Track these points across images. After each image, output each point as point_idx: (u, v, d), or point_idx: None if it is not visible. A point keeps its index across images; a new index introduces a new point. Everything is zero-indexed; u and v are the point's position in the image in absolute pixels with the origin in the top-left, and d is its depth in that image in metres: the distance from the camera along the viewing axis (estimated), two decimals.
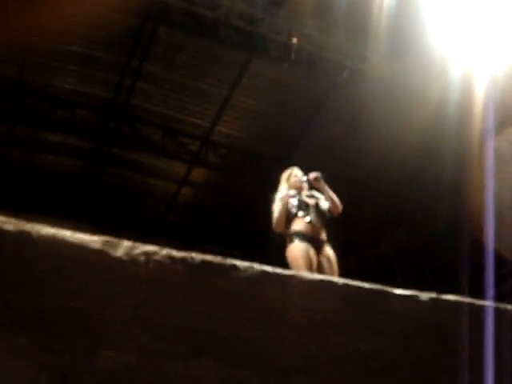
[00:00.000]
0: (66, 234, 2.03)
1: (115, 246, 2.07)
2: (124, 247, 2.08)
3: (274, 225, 5.12)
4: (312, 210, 5.13)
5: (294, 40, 9.17)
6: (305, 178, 5.40)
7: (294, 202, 5.18)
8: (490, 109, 9.92)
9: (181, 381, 2.00)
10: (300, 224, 5.03)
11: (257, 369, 2.04)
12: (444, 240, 12.65)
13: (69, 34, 8.87)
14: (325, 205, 5.21)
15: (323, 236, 5.07)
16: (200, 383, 2.01)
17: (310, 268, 4.62)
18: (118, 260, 2.05)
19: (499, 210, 9.45)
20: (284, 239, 5.09)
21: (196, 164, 11.75)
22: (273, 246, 5.21)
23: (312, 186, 5.41)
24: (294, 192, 5.29)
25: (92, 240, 2.05)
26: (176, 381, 1.99)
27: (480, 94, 9.73)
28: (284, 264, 4.66)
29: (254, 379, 2.02)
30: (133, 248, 2.10)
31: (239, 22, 9.03)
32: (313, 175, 5.35)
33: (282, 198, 5.17)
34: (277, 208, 5.14)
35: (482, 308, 2.73)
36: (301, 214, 5.07)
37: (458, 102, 9.84)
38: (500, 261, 11.50)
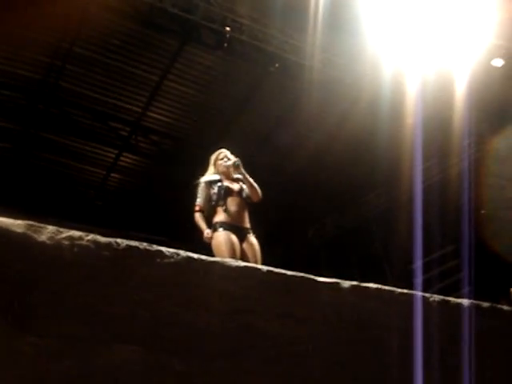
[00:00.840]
0: None
1: (39, 231, 2.05)
2: (48, 232, 2.06)
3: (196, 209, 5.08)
4: (235, 197, 5.10)
5: (228, 28, 9.17)
6: (231, 162, 5.34)
7: (215, 189, 5.13)
8: (420, 105, 10.17)
9: (105, 366, 2.00)
10: (221, 214, 5.01)
11: (181, 354, 2.07)
12: (371, 230, 12.93)
13: None
14: (247, 192, 5.19)
15: (246, 224, 5.06)
16: (124, 368, 2.01)
17: (233, 255, 4.62)
18: (42, 244, 2.03)
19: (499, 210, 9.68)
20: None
21: (126, 150, 11.61)
22: (200, 235, 5.18)
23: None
24: (219, 177, 5.25)
25: (15, 224, 2.03)
26: (100, 366, 1.99)
27: (411, 91, 9.97)
28: (210, 253, 4.67)
29: (178, 364, 2.04)
30: (57, 233, 2.09)
31: (173, 8, 8.95)
32: (230, 162, 5.29)
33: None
34: (202, 193, 5.12)
35: (402, 295, 2.82)
36: (221, 203, 5.04)
37: (390, 97, 10.04)
38: (427, 250, 11.85)
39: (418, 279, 11.69)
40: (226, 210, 5.04)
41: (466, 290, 10.21)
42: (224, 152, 5.44)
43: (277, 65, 9.80)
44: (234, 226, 4.96)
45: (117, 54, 9.79)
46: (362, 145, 10.97)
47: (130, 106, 10.81)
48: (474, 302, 3.18)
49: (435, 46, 9.59)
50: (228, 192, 5.13)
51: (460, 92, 9.94)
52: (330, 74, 9.96)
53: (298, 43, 9.50)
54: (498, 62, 9.81)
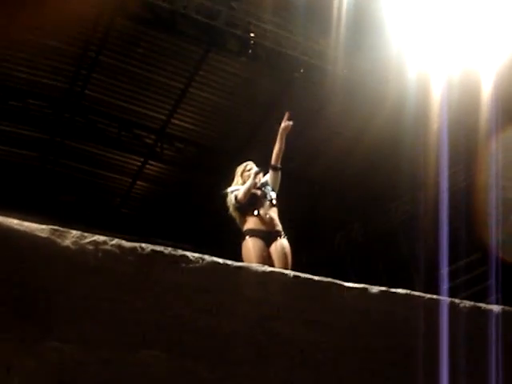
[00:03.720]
0: (13, 221, 1.99)
1: (63, 235, 2.04)
2: (72, 236, 2.05)
3: (239, 197, 5.08)
4: (262, 202, 5.11)
5: (252, 34, 9.16)
6: (253, 171, 5.36)
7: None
8: (446, 109, 10.06)
9: (129, 372, 1.97)
10: (250, 222, 5.02)
11: (206, 360, 2.03)
12: (398, 237, 12.80)
13: (22, 23, 8.70)
14: (272, 194, 5.21)
15: (276, 227, 5.05)
16: (149, 374, 1.99)
17: (262, 262, 4.60)
18: (66, 249, 2.02)
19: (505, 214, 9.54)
20: (239, 236, 5.08)
21: (151, 157, 11.63)
22: (227, 242, 5.17)
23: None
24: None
25: (40, 228, 2.01)
26: (124, 372, 1.97)
27: (436, 95, 9.86)
28: (238, 259, 4.64)
29: (203, 370, 2.01)
30: (81, 237, 2.07)
31: (197, 15, 8.96)
32: (253, 170, 5.34)
33: (253, 178, 5.19)
34: (247, 185, 5.14)
35: (431, 301, 2.77)
36: (249, 211, 5.05)
37: (415, 102, 9.94)
38: (454, 256, 11.71)
39: (445, 286, 11.56)
40: (254, 217, 5.04)
41: (493, 297, 10.06)
42: (250, 164, 5.46)
43: (302, 70, 9.77)
44: (262, 232, 4.95)
45: (141, 62, 9.81)
46: (387, 150, 10.87)
47: (154, 114, 10.84)
48: (506, 307, 3.11)
49: (460, 48, 9.49)
50: (255, 199, 5.12)
51: (486, 95, 9.82)
52: (354, 78, 9.90)
53: (322, 48, 9.45)
54: None
